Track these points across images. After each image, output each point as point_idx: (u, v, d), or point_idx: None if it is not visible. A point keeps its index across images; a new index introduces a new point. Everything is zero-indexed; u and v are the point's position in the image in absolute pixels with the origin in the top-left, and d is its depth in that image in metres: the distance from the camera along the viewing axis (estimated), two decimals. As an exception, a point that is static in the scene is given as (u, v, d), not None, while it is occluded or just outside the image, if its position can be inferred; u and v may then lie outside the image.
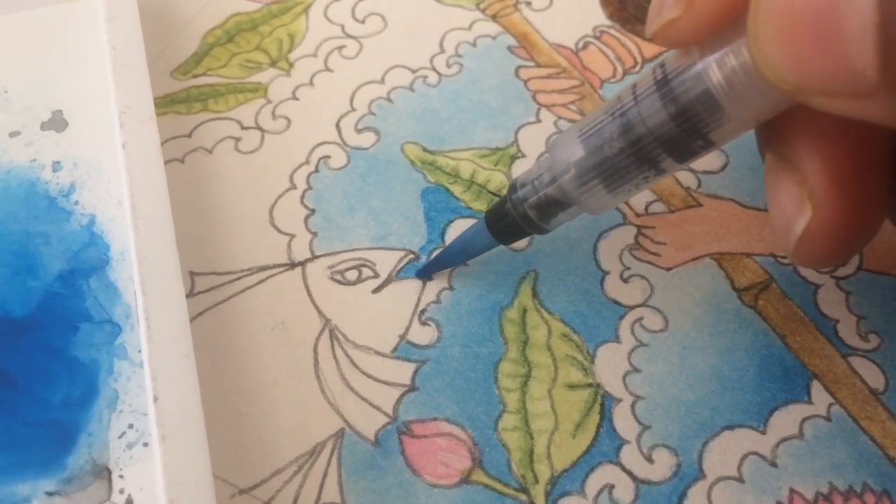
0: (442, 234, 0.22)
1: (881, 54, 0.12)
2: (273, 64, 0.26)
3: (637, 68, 0.26)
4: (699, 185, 0.23)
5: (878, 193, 0.16)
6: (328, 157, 0.24)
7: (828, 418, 0.20)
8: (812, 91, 0.13)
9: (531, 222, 0.19)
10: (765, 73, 0.14)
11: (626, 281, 0.22)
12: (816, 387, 0.20)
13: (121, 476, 0.19)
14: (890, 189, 0.16)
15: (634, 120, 0.16)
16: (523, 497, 0.19)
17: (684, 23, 0.15)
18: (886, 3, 0.11)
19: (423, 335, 0.21)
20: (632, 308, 0.21)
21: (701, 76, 0.15)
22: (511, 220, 0.19)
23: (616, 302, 0.21)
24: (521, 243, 0.22)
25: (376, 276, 0.22)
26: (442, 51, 0.26)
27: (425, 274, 0.22)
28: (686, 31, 0.15)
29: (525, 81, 0.26)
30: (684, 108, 0.15)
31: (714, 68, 0.15)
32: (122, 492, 0.18)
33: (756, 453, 0.19)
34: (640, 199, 0.23)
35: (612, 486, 0.19)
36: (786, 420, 0.20)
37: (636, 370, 0.20)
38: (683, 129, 0.16)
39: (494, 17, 0.27)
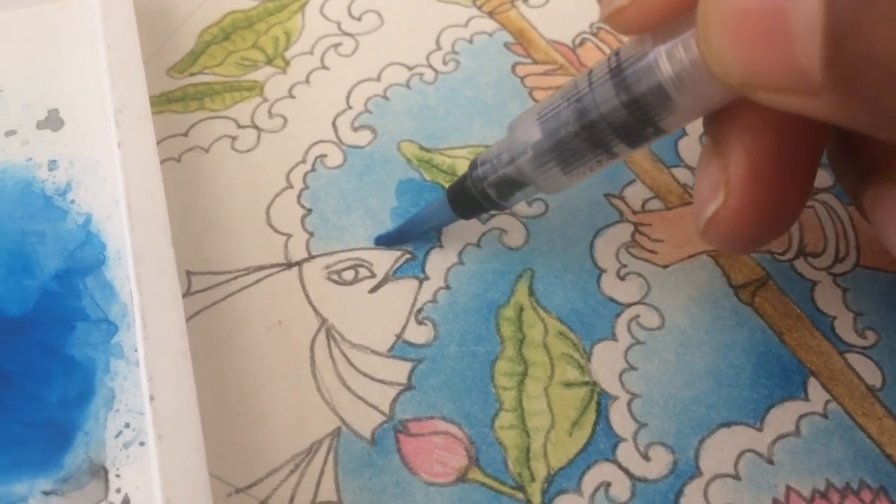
0: (439, 234, 0.22)
1: (827, 54, 0.12)
2: (269, 62, 0.26)
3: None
4: (696, 183, 0.23)
5: (793, 192, 0.16)
6: (325, 155, 0.24)
7: (825, 415, 0.20)
8: (758, 87, 0.13)
9: (490, 200, 0.20)
10: (712, 68, 0.14)
11: (622, 279, 0.22)
12: (813, 384, 0.20)
13: (117, 475, 0.19)
14: (807, 189, 0.17)
15: (589, 106, 0.17)
16: (520, 495, 0.19)
17: (633, 10, 0.15)
18: (833, 5, 0.12)
19: (419, 334, 0.21)
20: (628, 306, 0.21)
21: (651, 67, 0.15)
22: (471, 196, 0.20)
23: (612, 300, 0.21)
24: (517, 241, 0.22)
25: (373, 275, 0.22)
26: (438, 48, 0.26)
27: (385, 242, 0.22)
28: (634, 18, 0.16)
29: (522, 78, 0.26)
30: (635, 98, 0.16)
31: (664, 60, 0.15)
32: (118, 491, 0.19)
33: (753, 450, 0.19)
34: (637, 196, 0.23)
35: (608, 484, 0.19)
36: (782, 417, 0.20)
37: (633, 368, 0.20)
38: (635, 116, 0.16)
39: (491, 14, 0.27)
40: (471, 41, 0.27)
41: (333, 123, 0.25)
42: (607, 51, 0.26)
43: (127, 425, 0.19)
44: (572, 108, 0.17)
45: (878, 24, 0.11)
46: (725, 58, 0.13)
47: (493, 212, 0.21)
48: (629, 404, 0.20)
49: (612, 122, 0.17)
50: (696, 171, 0.17)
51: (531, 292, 0.21)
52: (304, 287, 0.21)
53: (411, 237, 0.22)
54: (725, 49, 0.13)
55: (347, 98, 0.25)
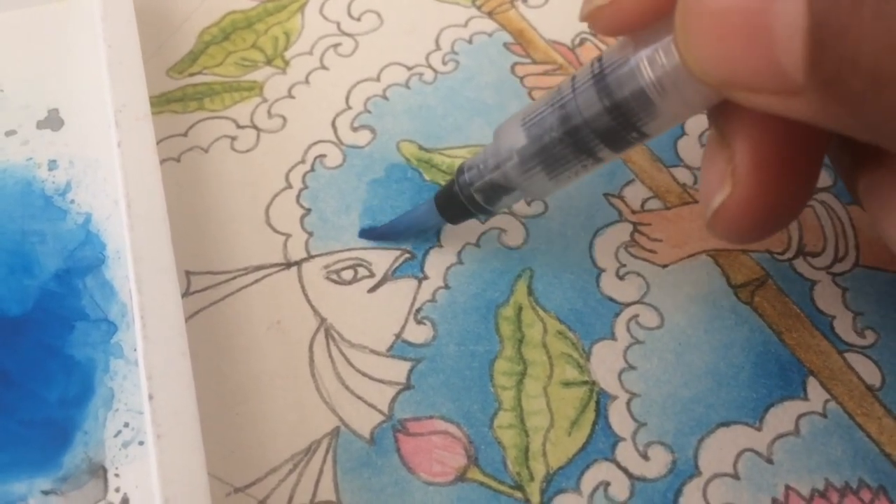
0: (438, 233, 0.22)
1: (810, 57, 0.12)
2: (269, 62, 0.26)
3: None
4: (695, 182, 0.23)
5: (799, 183, 0.16)
6: (324, 155, 0.24)
7: (824, 415, 0.20)
8: (737, 87, 0.13)
9: (477, 205, 0.20)
10: (691, 67, 0.14)
11: (621, 278, 0.22)
12: (812, 383, 0.20)
13: (116, 475, 0.19)
14: (813, 180, 0.16)
15: (573, 112, 0.17)
16: (519, 495, 0.19)
17: (611, 11, 0.15)
18: (816, 8, 0.11)
19: (418, 334, 0.21)
20: (627, 305, 0.21)
21: (633, 73, 0.16)
22: (458, 202, 0.20)
23: (612, 299, 0.21)
24: (516, 241, 0.22)
25: (372, 275, 0.22)
26: (438, 48, 0.26)
27: (368, 236, 0.22)
28: (613, 19, 0.16)
29: (521, 78, 0.26)
30: (618, 103, 0.16)
31: (646, 65, 0.15)
32: (117, 490, 0.19)
33: (752, 450, 0.19)
34: (636, 196, 0.23)
35: (607, 484, 0.19)
36: (782, 416, 0.20)
37: (632, 367, 0.20)
38: (618, 122, 0.16)
39: (490, 14, 0.27)
40: (470, 41, 0.27)
41: (333, 123, 0.25)
42: (607, 51, 0.26)
43: (126, 425, 0.19)
44: (556, 113, 0.17)
45: (867, 27, 0.11)
46: (704, 58, 0.13)
47: (480, 216, 0.21)
48: (628, 404, 0.20)
49: (596, 127, 0.17)
50: (701, 163, 0.17)
51: (530, 292, 0.21)
52: (303, 287, 0.22)
53: (398, 238, 0.22)
54: (704, 49, 0.13)
55: (347, 98, 0.25)
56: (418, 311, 0.21)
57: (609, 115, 0.16)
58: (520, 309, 0.21)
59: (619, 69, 0.16)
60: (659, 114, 0.16)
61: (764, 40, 0.12)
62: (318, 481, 0.19)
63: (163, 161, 0.23)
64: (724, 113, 0.16)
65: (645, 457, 0.19)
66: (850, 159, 0.17)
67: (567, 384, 0.20)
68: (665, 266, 0.22)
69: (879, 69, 0.11)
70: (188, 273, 0.22)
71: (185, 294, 0.21)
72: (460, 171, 0.20)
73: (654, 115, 0.16)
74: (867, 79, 0.11)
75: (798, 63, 0.12)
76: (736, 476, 0.19)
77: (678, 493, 0.19)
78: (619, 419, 0.20)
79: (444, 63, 0.26)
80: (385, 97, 0.25)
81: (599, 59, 0.17)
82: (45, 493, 0.18)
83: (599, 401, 0.20)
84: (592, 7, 0.16)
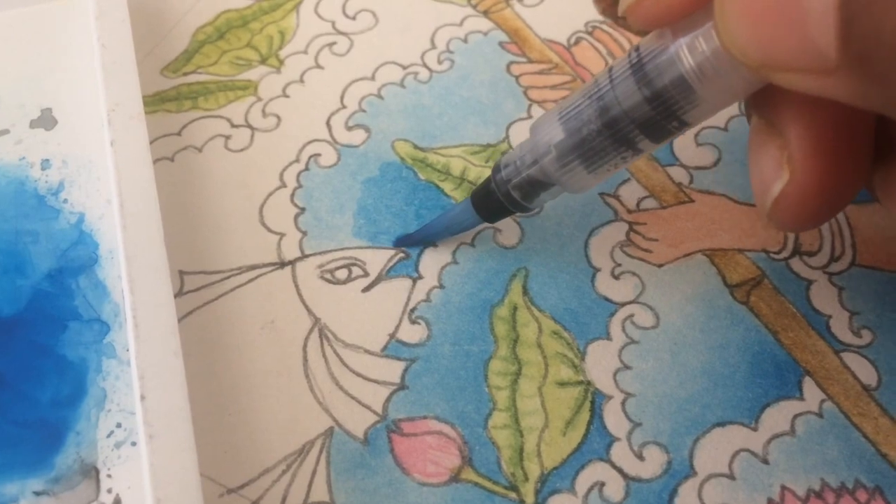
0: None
1: (841, 34, 0.12)
2: (263, 61, 0.26)
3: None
4: (691, 181, 0.23)
5: (856, 164, 0.16)
6: (318, 154, 0.24)
7: (820, 415, 0.20)
8: (775, 68, 0.13)
9: (515, 202, 0.20)
10: (731, 50, 0.14)
11: (617, 278, 0.22)
12: (808, 383, 0.20)
13: (109, 475, 0.19)
14: (867, 160, 0.16)
15: (611, 103, 0.17)
16: (513, 495, 0.19)
17: (651, 3, 0.15)
18: None
19: (412, 334, 0.21)
20: (623, 305, 0.21)
21: (673, 60, 0.15)
22: (496, 199, 0.20)
23: (607, 299, 0.21)
24: (511, 240, 0.22)
25: (366, 275, 0.22)
26: (433, 47, 0.26)
27: (404, 244, 0.22)
28: (654, 10, 0.16)
29: (517, 77, 0.26)
30: (658, 92, 0.16)
31: (685, 52, 0.15)
32: (109, 491, 0.18)
33: (747, 450, 0.19)
34: (632, 195, 0.23)
35: (602, 484, 0.19)
36: (777, 417, 0.19)
37: (627, 367, 0.20)
38: (658, 111, 0.16)
39: (486, 13, 0.27)
40: (465, 40, 0.27)
41: (327, 122, 0.25)
42: (602, 50, 0.26)
43: (118, 425, 0.19)
44: (594, 105, 0.17)
45: (887, 2, 0.11)
46: (743, 40, 0.14)
47: (518, 213, 0.21)
48: (623, 404, 0.20)
49: (636, 117, 0.16)
50: (749, 156, 0.17)
51: (525, 291, 0.21)
52: (297, 286, 0.21)
53: (432, 241, 0.22)
54: (743, 32, 0.13)
55: (341, 97, 0.25)
56: (412, 310, 0.21)
57: (649, 105, 0.16)
58: (514, 309, 0.21)
59: (659, 57, 0.16)
60: (700, 101, 0.16)
61: (799, 20, 0.12)
62: (311, 482, 0.19)
63: (156, 160, 0.23)
64: (771, 101, 0.16)
65: (640, 457, 0.19)
66: None
67: (562, 384, 0.20)
68: (660, 265, 0.22)
69: None
70: (181, 273, 0.22)
71: (179, 294, 0.21)
72: (496, 168, 0.20)
73: (694, 102, 0.16)
74: (891, 55, 0.12)
75: (831, 41, 0.12)
76: (731, 476, 0.19)
77: (673, 493, 0.19)
78: (614, 419, 0.19)
79: (440, 62, 0.26)
80: (380, 96, 0.25)
81: (637, 48, 0.16)
82: (38, 493, 0.18)
83: (594, 401, 0.20)
84: (632, 1, 0.16)
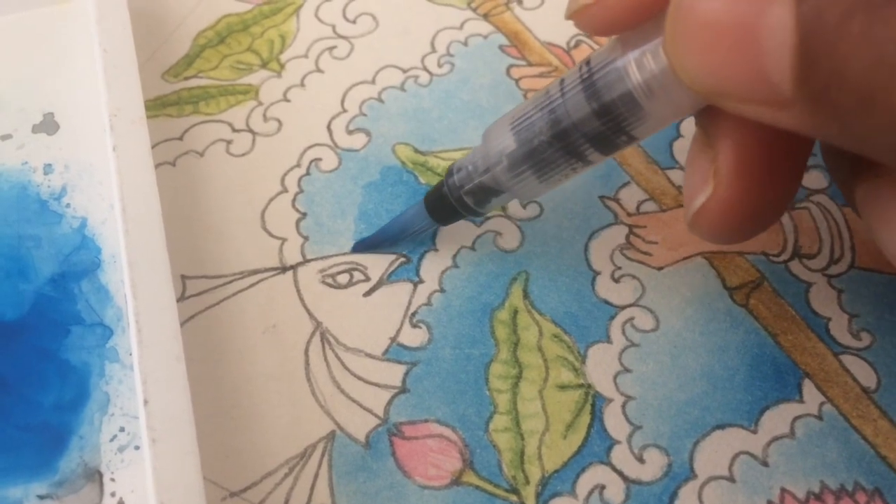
0: (433, 236, 0.22)
1: (799, 73, 0.12)
2: (264, 65, 0.26)
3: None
4: (691, 184, 0.23)
5: (782, 186, 0.16)
6: (319, 159, 0.24)
7: (819, 417, 0.20)
8: (726, 97, 0.13)
9: (467, 206, 0.20)
10: (680, 75, 0.14)
11: (617, 281, 0.22)
12: (808, 385, 0.20)
13: (112, 479, 0.19)
14: (795, 184, 0.17)
15: (561, 115, 0.17)
16: (514, 498, 0.19)
17: (597, 10, 0.15)
18: (804, 23, 0.12)
19: (413, 337, 0.21)
20: (623, 308, 0.21)
21: (622, 76, 0.15)
22: (448, 203, 0.20)
23: (607, 302, 0.21)
24: (511, 244, 0.22)
25: (367, 279, 0.22)
26: (433, 50, 0.26)
27: (361, 249, 0.22)
28: (600, 19, 0.16)
29: (517, 80, 0.26)
30: (606, 107, 0.16)
31: (633, 68, 0.15)
32: (113, 495, 0.19)
33: (747, 453, 0.19)
34: (632, 198, 0.23)
35: (602, 487, 0.19)
36: (777, 419, 0.20)
37: (627, 370, 0.20)
38: (606, 126, 0.16)
39: (486, 17, 0.27)
40: (465, 43, 0.27)
41: (328, 127, 0.25)
42: (602, 53, 0.26)
43: (121, 429, 0.19)
44: (545, 117, 0.17)
45: (855, 43, 0.11)
46: (693, 67, 0.13)
47: (469, 217, 0.21)
48: (623, 407, 0.20)
49: (585, 131, 0.17)
50: (686, 163, 0.17)
51: (525, 295, 0.21)
52: (298, 291, 0.22)
53: (390, 243, 0.22)
54: (694, 59, 0.13)
55: (342, 101, 0.25)
56: (413, 314, 0.21)
57: (597, 119, 0.16)
58: (515, 312, 0.21)
59: (608, 72, 0.16)
60: (647, 117, 0.16)
61: (753, 53, 0.12)
62: (313, 485, 0.19)
63: (158, 165, 0.23)
64: (708, 114, 0.16)
65: (640, 460, 0.19)
66: (848, 168, 0.17)
67: (562, 387, 0.20)
68: (660, 268, 0.22)
69: (867, 85, 0.11)
70: (184, 277, 0.22)
71: (181, 298, 0.21)
72: (449, 173, 0.20)
73: (642, 118, 0.16)
74: (855, 94, 0.12)
75: (787, 77, 0.12)
76: (731, 479, 0.19)
77: (673, 496, 0.19)
78: (614, 422, 0.20)
79: (440, 65, 0.26)
80: (380, 100, 0.25)
81: (588, 61, 0.16)
82: (41, 497, 0.18)
83: (595, 404, 0.20)
84: (578, 6, 0.16)
